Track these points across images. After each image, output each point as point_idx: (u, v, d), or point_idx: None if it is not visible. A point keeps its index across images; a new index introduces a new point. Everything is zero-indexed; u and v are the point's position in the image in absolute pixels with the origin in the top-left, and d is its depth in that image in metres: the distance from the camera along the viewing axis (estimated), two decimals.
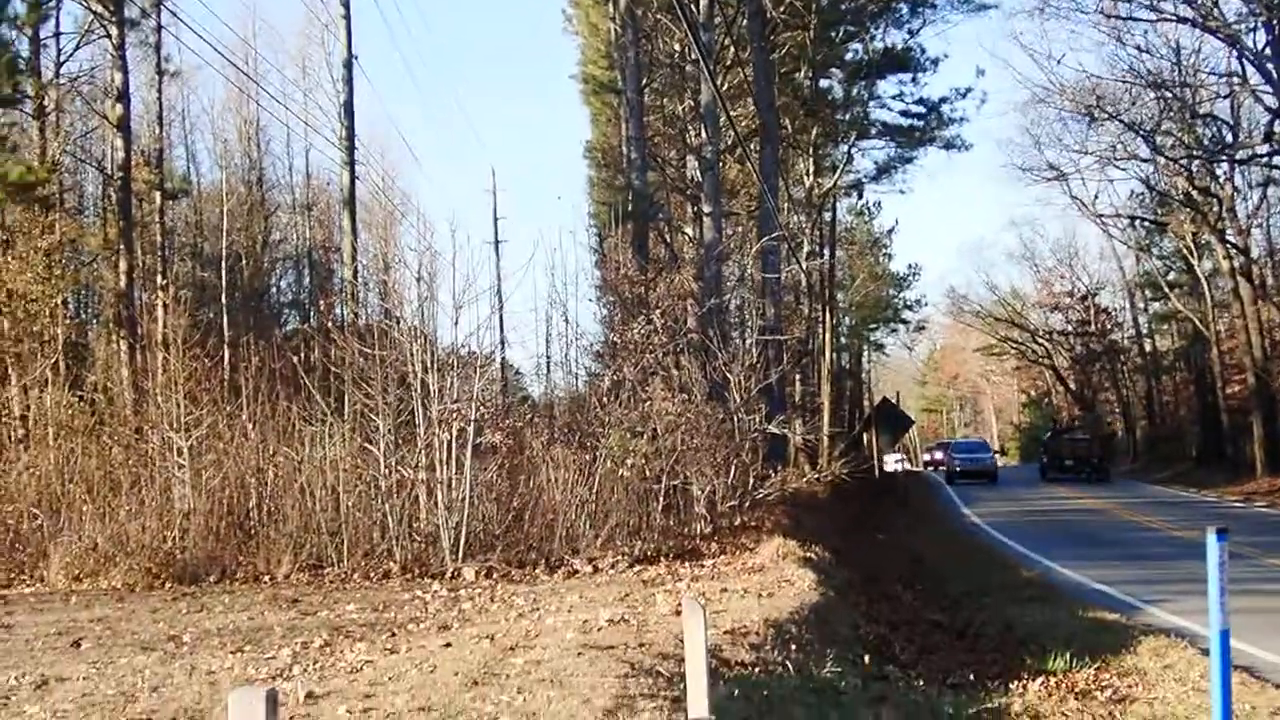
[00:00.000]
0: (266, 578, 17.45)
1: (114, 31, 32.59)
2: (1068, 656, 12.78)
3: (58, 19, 37.12)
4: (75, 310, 37.19)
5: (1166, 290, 65.16)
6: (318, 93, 52.11)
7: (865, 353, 79.97)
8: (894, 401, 65.09)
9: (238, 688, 4.47)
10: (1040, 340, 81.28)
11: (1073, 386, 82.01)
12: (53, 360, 29.54)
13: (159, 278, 37.45)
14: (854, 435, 50.93)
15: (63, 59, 37.74)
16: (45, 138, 34.63)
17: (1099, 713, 10.55)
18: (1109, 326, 75.57)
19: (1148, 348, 72.72)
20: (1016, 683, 11.81)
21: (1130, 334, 74.02)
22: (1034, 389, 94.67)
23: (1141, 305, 71.42)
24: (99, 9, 33.46)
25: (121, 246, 32.40)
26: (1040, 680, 11.78)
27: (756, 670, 10.02)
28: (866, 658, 12.22)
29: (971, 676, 12.38)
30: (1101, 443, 60.83)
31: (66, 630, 12.97)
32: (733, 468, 22.61)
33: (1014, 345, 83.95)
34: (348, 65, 31.87)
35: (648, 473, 20.22)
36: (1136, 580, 19.70)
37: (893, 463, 78.38)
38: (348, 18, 31.56)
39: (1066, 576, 21.25)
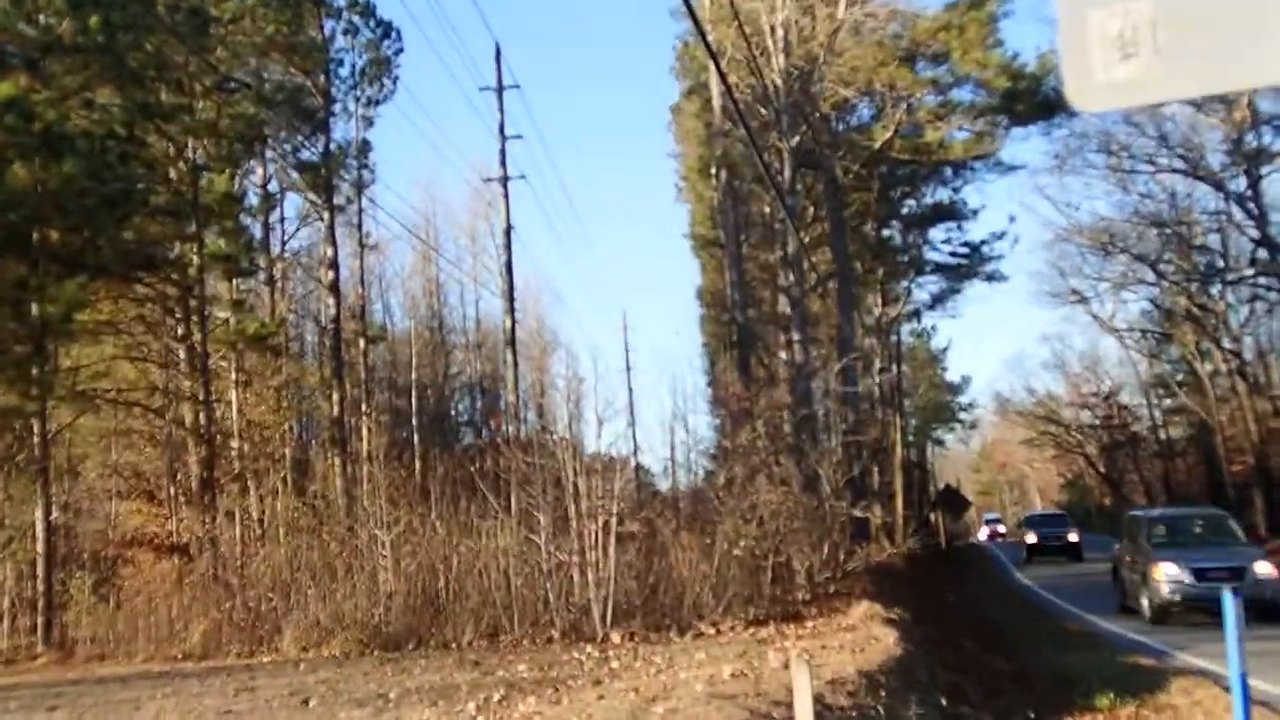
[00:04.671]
0: (453, 644, 17.43)
1: (326, 216, 33.53)
2: (1111, 695, 12.35)
3: (282, 208, 38.39)
4: (299, 434, 37.70)
5: (1176, 389, 63.89)
6: (484, 255, 53.05)
7: (929, 447, 78.86)
8: (955, 487, 64.12)
9: None
10: (1073, 433, 79.66)
11: (1102, 470, 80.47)
12: (282, 474, 30.06)
13: (363, 406, 37.99)
14: (923, 516, 50.13)
15: (287, 238, 38.93)
16: (275, 300, 35.53)
17: None
18: (1129, 420, 73.93)
19: (1162, 436, 71.06)
20: (1070, 718, 11.42)
21: (1148, 425, 72.36)
22: (1069, 472, 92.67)
23: (1155, 401, 69.86)
24: (314, 199, 34.45)
25: (334, 383, 32.96)
26: (1089, 717, 11.37)
27: (854, 713, 9.78)
28: (944, 700, 11.90)
29: (1032, 714, 12.00)
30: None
31: (297, 691, 13.00)
32: (826, 545, 22.30)
33: (1051, 437, 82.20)
34: (507, 233, 32.26)
35: (757, 551, 19.97)
36: (1164, 630, 19.04)
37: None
38: (506, 195, 31.98)
39: (1104, 627, 20.64)
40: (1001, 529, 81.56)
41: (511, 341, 32.56)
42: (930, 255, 49.76)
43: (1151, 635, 18.50)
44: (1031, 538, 46.73)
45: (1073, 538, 45.68)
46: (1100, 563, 38.70)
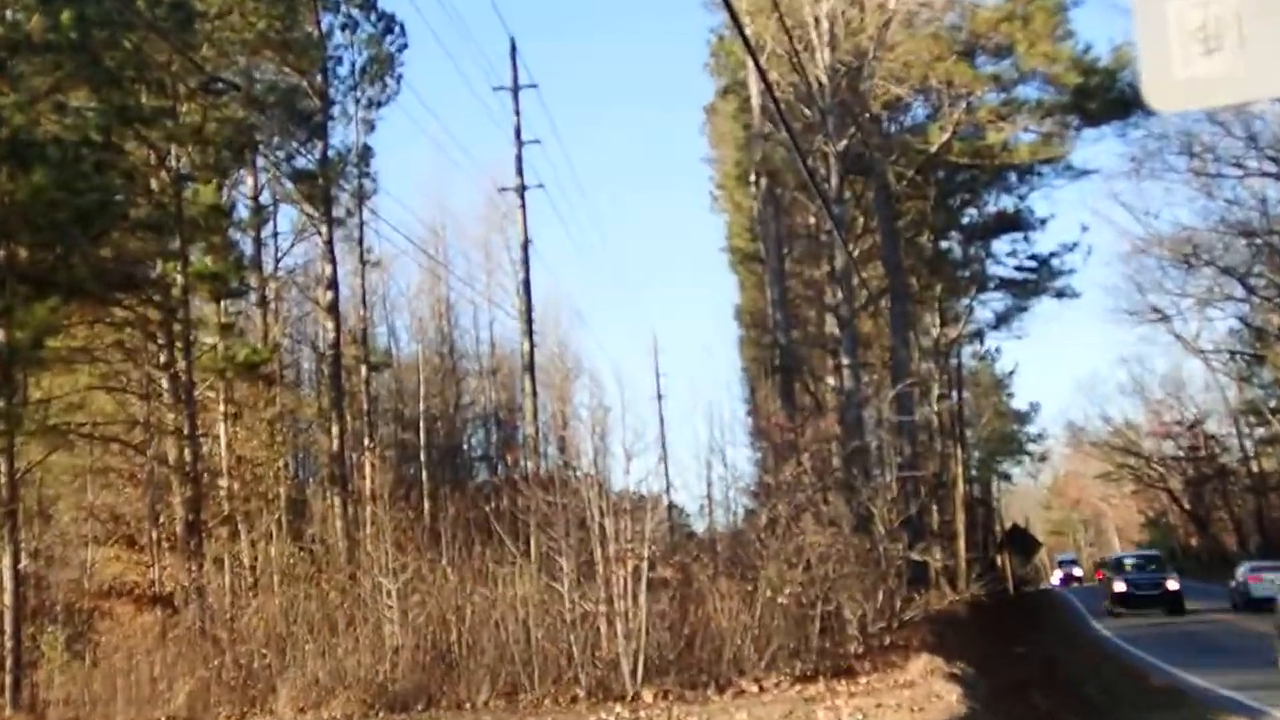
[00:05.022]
0: (468, 704, 17.45)
1: (324, 229, 33.73)
2: None
3: (275, 221, 38.60)
4: (295, 471, 37.83)
5: (1269, 416, 63.67)
6: (498, 272, 53.27)
7: (994, 483, 78.70)
8: (1023, 527, 63.90)
9: None
10: (1154, 466, 79.36)
11: (1188, 507, 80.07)
12: (276, 516, 30.16)
13: (366, 440, 38.12)
14: (989, 559, 50.02)
15: (280, 255, 39.16)
16: (267, 323, 35.72)
17: None
18: (1217, 451, 73.65)
19: (1255, 469, 70.72)
20: None
21: (1238, 457, 72.01)
22: (1151, 510, 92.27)
23: (1246, 430, 69.60)
24: (311, 211, 34.66)
25: (333, 414, 33.14)
26: None
27: None
28: None
29: None
30: None
31: None
32: (880, 592, 22.27)
33: (1130, 471, 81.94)
34: (524, 248, 32.42)
35: (804, 599, 19.97)
36: (1258, 686, 18.91)
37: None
38: (523, 206, 32.14)
39: (1191, 682, 20.51)
40: (1077, 572, 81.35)
41: (530, 367, 32.69)
42: (994, 269, 49.83)
43: (1245, 691, 18.38)
44: (1119, 585, 42.79)
45: (1172, 585, 41.65)
46: (1199, 613, 38.25)
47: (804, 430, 27.23)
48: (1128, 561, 47.84)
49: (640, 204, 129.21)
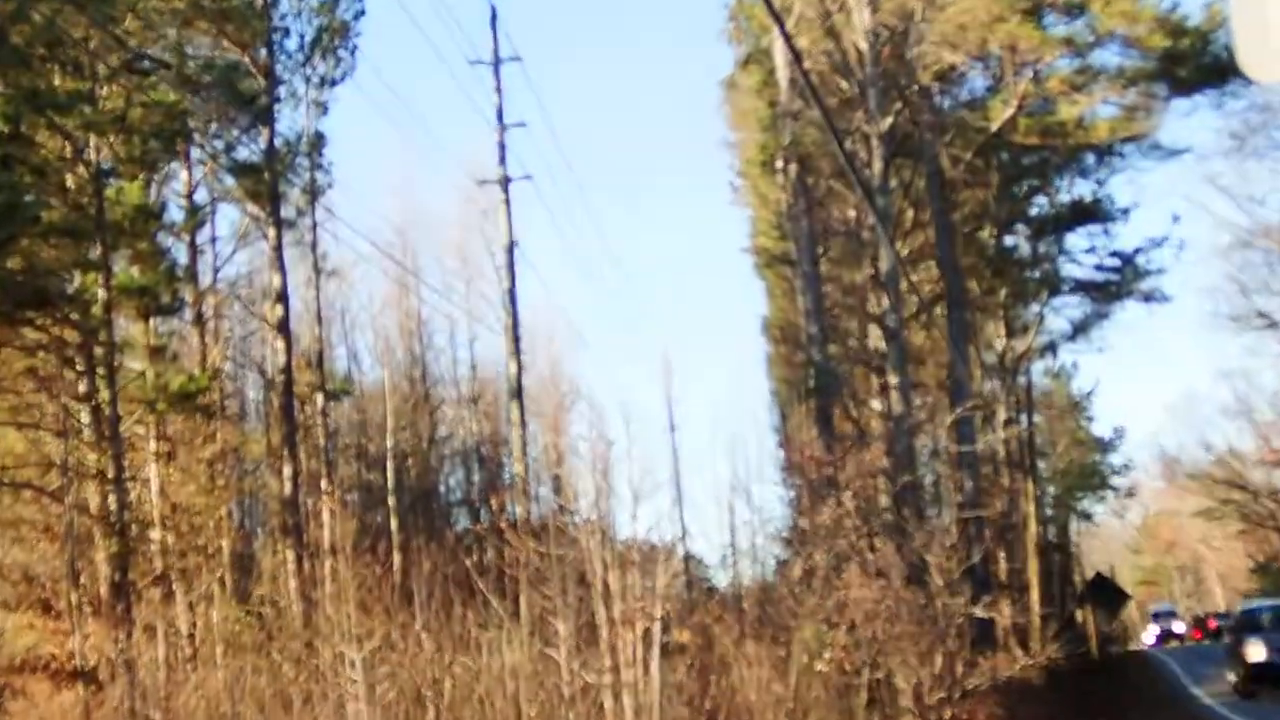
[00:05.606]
0: None
1: (271, 233, 33.59)
2: None
3: (213, 224, 38.36)
4: (240, 520, 37.81)
5: None
6: (479, 280, 53.26)
7: (1072, 523, 78.60)
8: (1108, 575, 63.78)
9: None
10: (1263, 501, 79.04)
11: None
12: (218, 574, 30.11)
13: (324, 482, 38.09)
14: (1067, 614, 49.90)
15: (220, 264, 38.96)
16: (205, 344, 35.61)
17: None
18: None
19: None
20: None
21: None
22: (1261, 553, 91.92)
23: None
24: (255, 211, 34.54)
25: (285, 452, 33.04)
26: None
27: None
28: None
29: None
30: None
31: None
32: (938, 656, 22.20)
33: (1235, 507, 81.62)
34: (509, 251, 32.45)
35: (847, 666, 19.93)
36: None
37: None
38: (507, 202, 32.23)
39: None
40: (1177, 628, 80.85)
41: (517, 393, 32.74)
42: (1068, 270, 49.71)
43: None
44: (1258, 651, 33.68)
45: None
46: None
47: (845, 464, 27.14)
48: (1265, 615, 36.83)
49: (648, 198, 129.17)
